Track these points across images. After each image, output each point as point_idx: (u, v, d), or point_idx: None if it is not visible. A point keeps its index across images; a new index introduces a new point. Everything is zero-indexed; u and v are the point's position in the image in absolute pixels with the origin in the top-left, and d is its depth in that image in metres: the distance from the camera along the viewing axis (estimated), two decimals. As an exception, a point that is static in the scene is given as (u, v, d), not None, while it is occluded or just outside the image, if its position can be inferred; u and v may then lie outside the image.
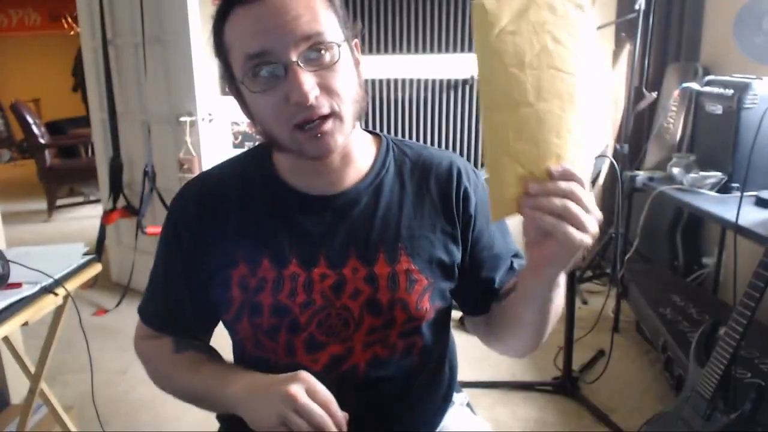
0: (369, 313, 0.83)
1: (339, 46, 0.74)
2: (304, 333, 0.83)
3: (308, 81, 0.71)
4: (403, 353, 0.87)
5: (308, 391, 0.72)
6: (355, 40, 0.81)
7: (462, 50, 3.32)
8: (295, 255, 0.83)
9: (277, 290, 0.82)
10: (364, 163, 0.87)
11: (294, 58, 0.71)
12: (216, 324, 0.94)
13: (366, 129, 0.91)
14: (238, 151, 0.95)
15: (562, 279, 0.72)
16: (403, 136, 3.39)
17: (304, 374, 0.74)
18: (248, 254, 0.84)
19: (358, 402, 0.80)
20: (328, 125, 0.74)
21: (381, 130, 3.43)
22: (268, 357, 0.86)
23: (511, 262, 0.91)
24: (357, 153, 0.86)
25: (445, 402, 0.99)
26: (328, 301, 0.82)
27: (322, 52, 0.73)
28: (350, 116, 0.77)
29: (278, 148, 0.81)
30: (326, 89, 0.73)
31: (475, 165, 3.45)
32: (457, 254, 0.88)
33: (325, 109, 0.73)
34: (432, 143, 3.42)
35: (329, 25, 0.74)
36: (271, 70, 0.72)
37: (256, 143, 0.94)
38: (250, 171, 0.89)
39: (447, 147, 3.44)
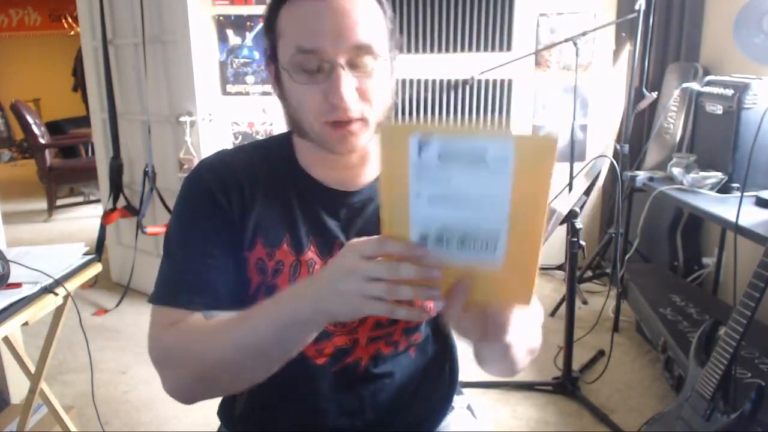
0: None
1: (384, 58, 0.78)
2: None
3: (348, 85, 0.75)
4: (404, 350, 0.90)
5: (363, 254, 0.61)
6: (396, 52, 0.85)
7: (462, 50, 3.32)
8: (313, 243, 0.85)
9: (294, 275, 0.84)
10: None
11: (341, 61, 0.75)
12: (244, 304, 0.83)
13: None
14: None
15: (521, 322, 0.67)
16: (403, 136, 3.38)
17: (353, 243, 0.64)
18: (269, 236, 0.84)
19: (357, 396, 0.82)
20: (356, 126, 0.78)
21: (381, 130, 3.43)
22: None
23: None
24: (373, 153, 0.89)
25: (446, 403, 1.00)
26: None
27: (368, 61, 0.77)
28: (376, 122, 0.81)
29: (301, 135, 0.84)
30: (362, 95, 0.77)
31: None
32: None
33: (356, 114, 0.77)
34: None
35: (379, 37, 0.78)
36: (317, 65, 0.76)
37: (266, 137, 0.94)
38: (274, 157, 0.90)
39: (447, 147, 3.43)
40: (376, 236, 0.62)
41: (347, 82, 0.75)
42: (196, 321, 0.79)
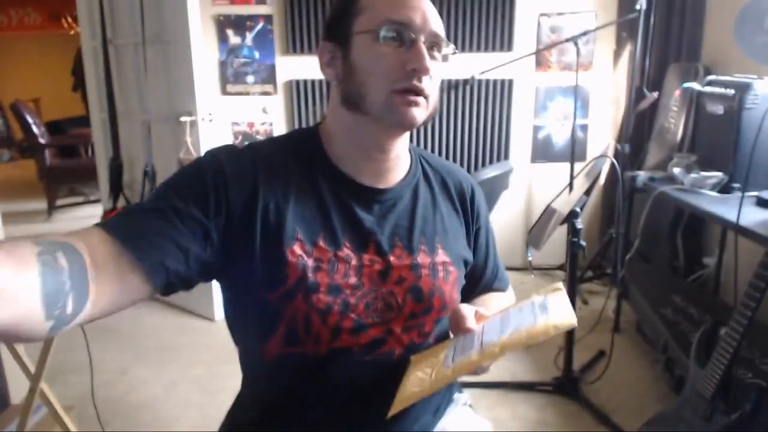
0: (412, 299, 0.89)
1: (446, 55, 0.88)
2: (353, 314, 0.85)
3: (429, 58, 0.82)
4: (433, 339, 0.93)
5: None
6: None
7: (462, 50, 3.31)
8: (348, 239, 0.87)
9: (333, 270, 0.85)
10: (405, 166, 0.95)
11: (423, 39, 0.83)
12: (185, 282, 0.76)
13: None
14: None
15: None
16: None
17: None
18: (306, 232, 0.85)
19: (385, 384, 0.83)
20: (422, 100, 0.84)
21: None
22: (305, 351, 0.84)
23: (491, 283, 1.07)
24: (404, 156, 0.94)
25: (453, 388, 1.05)
26: (374, 285, 0.87)
27: (437, 50, 0.86)
28: (431, 107, 0.86)
29: (357, 107, 0.85)
30: (432, 75, 0.84)
31: (476, 164, 3.45)
32: (471, 255, 1.00)
33: (427, 87, 0.83)
34: (432, 143, 3.42)
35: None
36: (402, 36, 0.82)
37: (291, 131, 0.96)
38: (302, 151, 0.90)
39: (448, 146, 3.44)
40: None
41: (427, 55, 0.82)
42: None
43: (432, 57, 0.83)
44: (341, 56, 0.86)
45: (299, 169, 0.87)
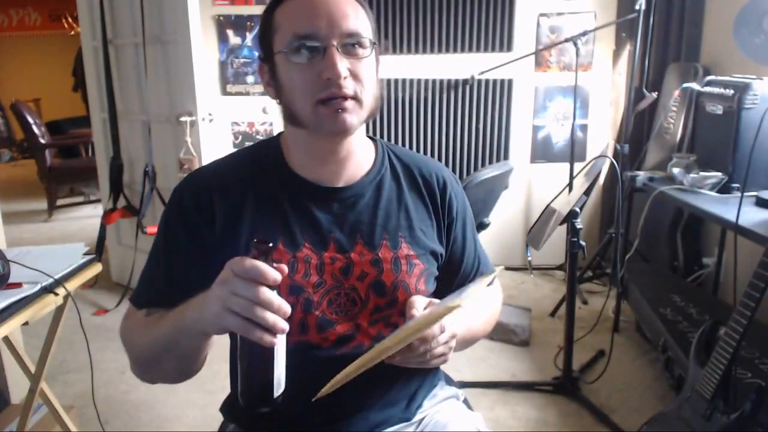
0: (374, 293, 0.91)
1: (372, 46, 0.87)
2: (316, 311, 0.89)
3: (342, 63, 0.82)
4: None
5: (237, 270, 0.68)
6: (380, 49, 0.92)
7: (462, 50, 3.32)
8: (307, 240, 0.91)
9: (292, 271, 0.88)
10: (366, 162, 0.97)
11: (335, 43, 0.82)
12: None
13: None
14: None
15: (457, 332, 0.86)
16: (404, 135, 3.39)
17: (234, 259, 0.70)
18: (263, 238, 0.87)
19: (357, 376, 0.84)
20: (349, 104, 0.84)
21: (382, 129, 3.45)
22: None
23: (473, 274, 1.06)
24: (359, 151, 0.95)
25: (432, 377, 1.05)
26: (337, 281, 0.91)
27: (357, 46, 0.85)
28: (368, 106, 0.87)
29: (296, 124, 0.88)
30: (354, 75, 0.84)
31: (476, 164, 3.45)
32: (443, 247, 1.01)
33: (349, 91, 0.83)
34: (432, 143, 3.42)
35: (366, 28, 0.87)
36: (312, 49, 0.83)
37: (256, 143, 0.97)
38: (261, 162, 0.95)
39: (447, 146, 3.44)
40: (252, 259, 0.68)
41: (340, 60, 0.82)
42: (140, 317, 0.90)
43: (353, 55, 0.84)
44: (272, 76, 0.89)
45: (259, 180, 0.93)
